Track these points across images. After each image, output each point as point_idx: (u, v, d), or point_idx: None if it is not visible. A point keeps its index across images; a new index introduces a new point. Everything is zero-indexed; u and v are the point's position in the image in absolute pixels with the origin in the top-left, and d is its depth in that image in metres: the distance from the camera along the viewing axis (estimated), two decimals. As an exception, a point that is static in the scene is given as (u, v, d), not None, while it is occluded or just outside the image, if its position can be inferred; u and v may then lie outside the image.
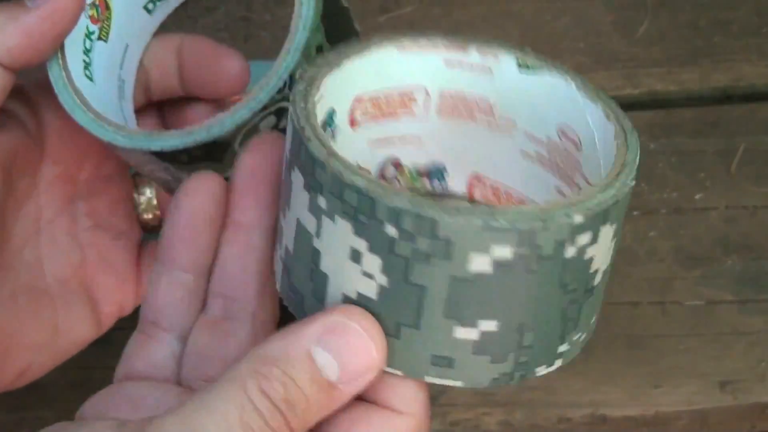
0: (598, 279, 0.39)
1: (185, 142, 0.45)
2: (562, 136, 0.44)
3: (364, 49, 0.43)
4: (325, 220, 0.37)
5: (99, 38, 0.49)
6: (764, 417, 0.62)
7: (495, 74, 0.44)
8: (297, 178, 0.38)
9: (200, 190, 0.42)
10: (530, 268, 0.36)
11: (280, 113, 0.46)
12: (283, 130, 0.43)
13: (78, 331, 0.50)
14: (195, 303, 0.43)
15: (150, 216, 0.53)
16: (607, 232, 0.38)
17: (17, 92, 0.47)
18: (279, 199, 0.41)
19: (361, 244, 0.36)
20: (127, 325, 0.64)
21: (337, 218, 0.36)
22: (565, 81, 0.44)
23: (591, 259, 0.38)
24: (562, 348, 0.40)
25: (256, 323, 0.42)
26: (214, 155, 0.46)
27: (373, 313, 0.37)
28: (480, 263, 0.36)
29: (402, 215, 0.35)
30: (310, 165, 0.37)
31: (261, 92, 0.45)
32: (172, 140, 0.45)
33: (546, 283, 0.37)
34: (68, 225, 0.51)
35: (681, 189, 0.67)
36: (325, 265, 0.38)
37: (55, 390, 0.62)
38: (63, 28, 0.45)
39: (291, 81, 0.46)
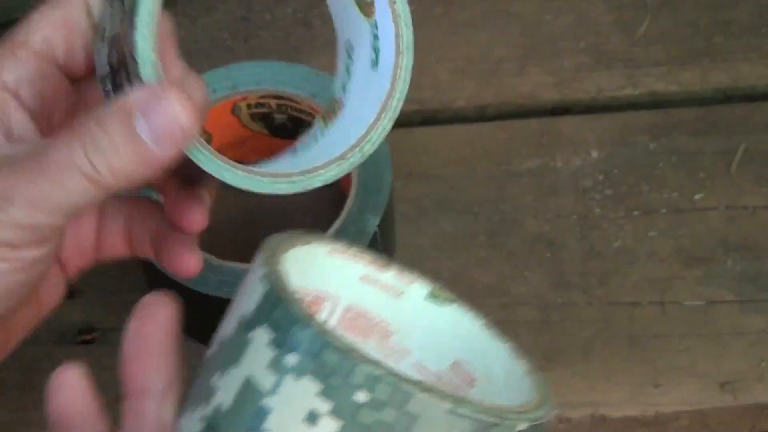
0: None
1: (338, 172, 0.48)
2: (454, 369, 0.45)
3: (306, 243, 0.45)
4: (288, 378, 0.37)
5: None
6: (764, 417, 0.62)
7: (404, 299, 0.46)
8: (261, 336, 0.38)
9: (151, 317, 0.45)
10: None
11: None
12: None
13: (51, 296, 0.51)
14: None
15: None
16: None
17: None
18: (209, 360, 0.41)
19: (324, 407, 0.37)
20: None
21: (305, 377, 0.37)
22: (471, 318, 0.45)
23: None
24: None
25: None
26: None
27: None
28: None
29: (379, 383, 0.36)
30: (287, 323, 0.37)
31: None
32: (325, 175, 0.48)
33: None
34: None
35: (681, 189, 0.67)
36: (271, 424, 0.37)
37: (55, 390, 0.62)
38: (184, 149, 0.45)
39: None
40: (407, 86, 0.48)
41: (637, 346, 0.63)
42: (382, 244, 0.62)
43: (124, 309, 0.64)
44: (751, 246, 0.65)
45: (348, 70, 0.51)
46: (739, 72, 0.71)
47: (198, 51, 0.72)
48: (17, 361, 0.63)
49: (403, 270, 0.46)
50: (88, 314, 0.64)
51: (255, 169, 0.48)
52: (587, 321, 0.63)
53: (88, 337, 0.64)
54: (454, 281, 0.65)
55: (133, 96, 0.43)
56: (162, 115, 0.43)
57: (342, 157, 0.48)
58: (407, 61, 0.49)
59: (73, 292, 0.65)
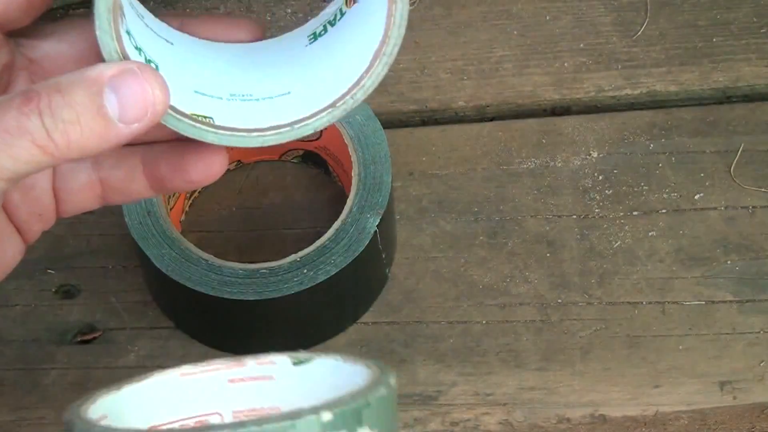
0: None
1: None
2: None
3: (144, 377, 0.44)
4: None
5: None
6: (764, 417, 0.62)
7: (276, 379, 0.46)
8: None
9: None
10: None
11: None
12: None
13: (3, 256, 0.49)
14: None
15: None
16: None
17: None
18: None
19: None
20: (129, 325, 0.64)
21: None
22: (332, 360, 0.45)
23: None
24: None
25: None
26: None
27: None
28: None
29: None
30: None
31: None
32: (315, 123, 0.47)
33: None
34: None
35: (681, 189, 0.67)
36: None
37: (54, 390, 0.62)
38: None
39: None
40: (402, 31, 0.46)
41: (636, 346, 0.63)
42: (382, 244, 0.62)
43: (124, 309, 0.65)
44: (751, 246, 0.65)
45: None
46: (739, 72, 0.71)
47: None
48: (17, 361, 0.63)
49: (257, 356, 0.46)
50: (88, 314, 0.64)
51: (238, 126, 0.46)
52: (587, 321, 0.63)
53: (88, 337, 0.64)
54: (454, 281, 0.65)
55: (106, 68, 0.42)
56: (135, 92, 0.41)
57: (333, 105, 0.47)
58: (402, 6, 0.46)
59: (73, 292, 0.65)
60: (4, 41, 0.46)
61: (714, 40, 0.72)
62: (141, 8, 0.47)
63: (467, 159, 0.69)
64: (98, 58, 0.45)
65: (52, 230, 0.66)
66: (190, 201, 0.67)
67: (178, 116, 0.44)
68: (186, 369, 0.45)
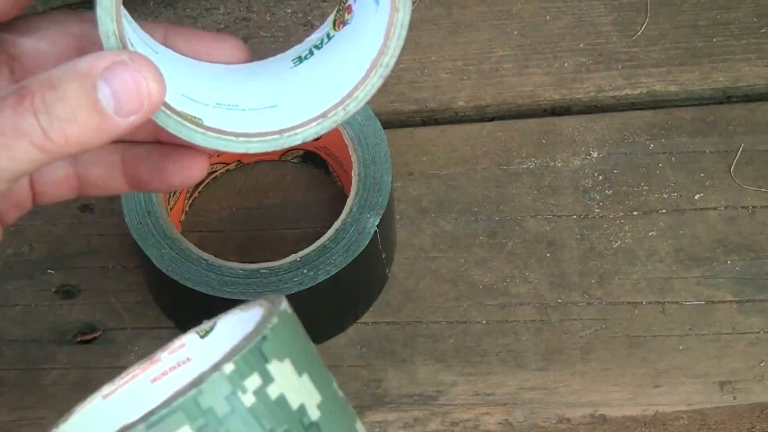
0: (313, 414, 0.40)
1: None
2: None
3: (67, 416, 0.44)
4: None
5: None
6: (764, 417, 0.62)
7: (193, 358, 0.46)
8: None
9: None
10: None
11: None
12: None
13: None
14: None
15: None
16: (281, 368, 0.39)
17: None
18: None
19: None
20: (129, 325, 0.64)
21: None
22: (231, 315, 0.45)
23: (282, 397, 0.39)
24: None
25: None
26: None
27: None
28: None
29: None
30: None
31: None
32: (304, 133, 0.45)
33: None
34: None
35: (681, 189, 0.67)
36: None
37: (55, 390, 0.62)
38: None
39: None
40: (402, 43, 0.45)
41: (636, 346, 0.63)
42: (382, 244, 0.62)
43: (124, 309, 0.65)
44: (751, 246, 0.65)
45: None
46: (739, 72, 0.71)
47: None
48: (17, 361, 0.63)
49: (165, 346, 0.46)
50: (88, 314, 0.64)
51: (227, 129, 0.45)
52: (587, 321, 0.63)
53: (88, 337, 0.64)
54: (454, 281, 0.65)
55: (97, 60, 0.41)
56: (128, 84, 0.41)
57: (324, 115, 0.46)
58: (403, 16, 0.45)
59: (73, 292, 0.65)
60: None
61: (714, 40, 0.72)
62: (128, 16, 0.46)
63: (467, 159, 0.69)
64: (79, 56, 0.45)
65: (52, 230, 0.67)
66: (190, 201, 0.67)
67: (168, 112, 0.44)
68: (105, 389, 0.45)
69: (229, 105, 0.47)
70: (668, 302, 0.64)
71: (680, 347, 0.62)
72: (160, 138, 0.48)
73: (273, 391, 0.38)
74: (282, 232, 0.66)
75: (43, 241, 0.66)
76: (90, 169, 0.48)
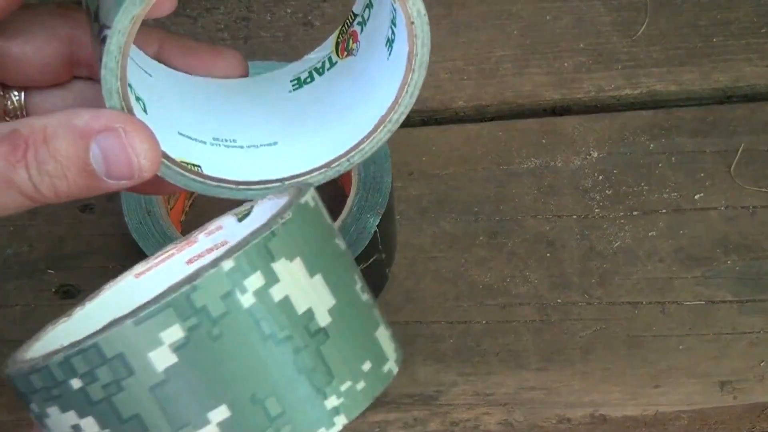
0: (321, 319, 0.37)
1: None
2: None
3: (95, 294, 0.43)
4: (50, 420, 0.37)
5: None
6: (764, 417, 0.62)
7: (230, 241, 0.44)
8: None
9: None
10: (213, 335, 0.35)
11: None
12: None
13: None
14: None
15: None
16: (290, 267, 0.37)
17: None
18: None
19: (71, 416, 0.36)
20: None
21: (52, 411, 0.36)
22: (267, 200, 0.44)
23: (287, 300, 0.36)
24: (332, 402, 0.37)
25: None
26: None
27: None
28: (162, 358, 0.35)
29: (70, 362, 0.35)
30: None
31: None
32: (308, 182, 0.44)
33: (244, 342, 0.36)
34: None
35: (681, 189, 0.67)
36: None
37: (55, 390, 0.62)
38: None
39: None
40: (414, 100, 0.45)
41: (636, 346, 0.63)
42: (382, 244, 0.62)
43: (124, 309, 0.65)
44: (751, 246, 0.65)
45: (365, 13, 0.46)
46: (739, 72, 0.71)
47: (198, 51, 0.72)
48: (17, 361, 0.63)
49: (204, 227, 0.44)
50: (88, 314, 0.64)
51: (227, 177, 0.44)
52: (587, 321, 0.63)
53: (88, 337, 0.64)
54: (454, 281, 0.65)
55: (93, 121, 0.40)
56: (119, 155, 0.40)
57: (328, 166, 0.45)
58: (418, 77, 0.45)
59: (73, 293, 0.65)
60: None
61: (714, 40, 0.72)
62: None
63: (467, 159, 0.69)
64: (63, 65, 0.45)
65: (52, 230, 0.67)
66: (191, 201, 0.67)
67: (168, 163, 0.42)
68: (139, 268, 0.44)
69: (227, 141, 0.45)
70: (668, 302, 0.64)
71: (680, 347, 0.62)
72: None
73: (277, 293, 0.36)
74: (282, 232, 0.66)
75: (43, 241, 0.66)
76: None
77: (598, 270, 0.65)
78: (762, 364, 0.62)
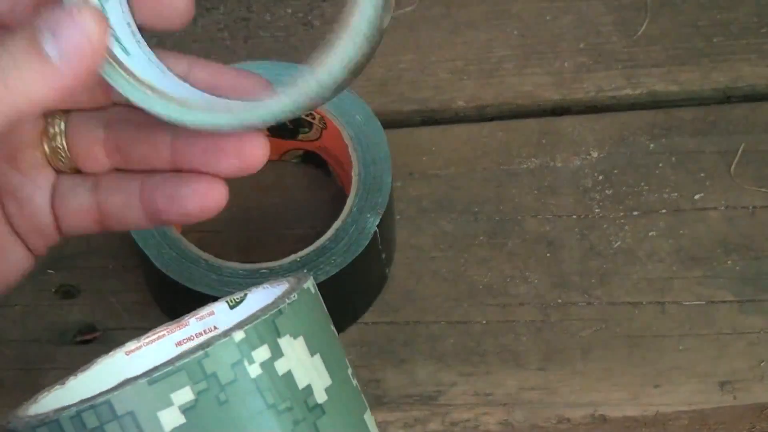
0: (319, 396, 0.39)
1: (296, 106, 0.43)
2: None
3: (88, 366, 0.44)
4: None
5: None
6: (764, 417, 0.62)
7: (220, 326, 0.45)
8: None
9: None
10: (220, 400, 0.37)
11: None
12: None
13: (7, 266, 0.49)
14: None
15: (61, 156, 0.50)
16: (293, 344, 0.39)
17: None
18: None
19: None
20: (129, 325, 0.64)
21: None
22: (262, 289, 0.45)
23: (290, 374, 0.38)
24: None
25: None
26: None
27: None
28: (171, 419, 0.36)
29: (81, 417, 0.36)
30: None
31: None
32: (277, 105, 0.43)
33: (248, 409, 0.37)
34: None
35: (681, 189, 0.67)
36: None
37: (55, 390, 0.62)
38: (93, 70, 0.43)
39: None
40: (378, 11, 0.40)
41: (637, 346, 0.63)
42: (382, 244, 0.62)
43: (124, 309, 0.65)
44: (751, 246, 0.65)
45: None
46: (739, 72, 0.71)
47: (198, 51, 0.72)
48: (17, 361, 0.63)
49: (196, 312, 0.46)
50: (88, 314, 0.64)
51: (193, 97, 0.44)
52: (587, 321, 0.63)
53: (88, 337, 0.64)
54: (454, 281, 0.65)
55: (44, 14, 0.41)
56: (72, 31, 0.41)
57: (294, 84, 0.43)
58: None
59: (73, 293, 0.65)
60: None
61: (714, 40, 0.72)
62: (142, 41, 0.47)
63: (467, 159, 0.69)
64: (103, 89, 0.46)
65: (52, 230, 0.66)
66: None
67: (118, 69, 0.43)
68: (130, 345, 0.45)
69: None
70: (668, 302, 0.64)
71: (680, 347, 0.62)
72: (177, 165, 0.48)
73: (281, 366, 0.38)
74: (282, 232, 0.66)
75: (43, 241, 0.66)
76: (109, 198, 0.49)
77: (598, 270, 0.65)
78: (762, 364, 0.62)
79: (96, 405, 0.36)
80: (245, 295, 0.46)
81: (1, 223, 0.49)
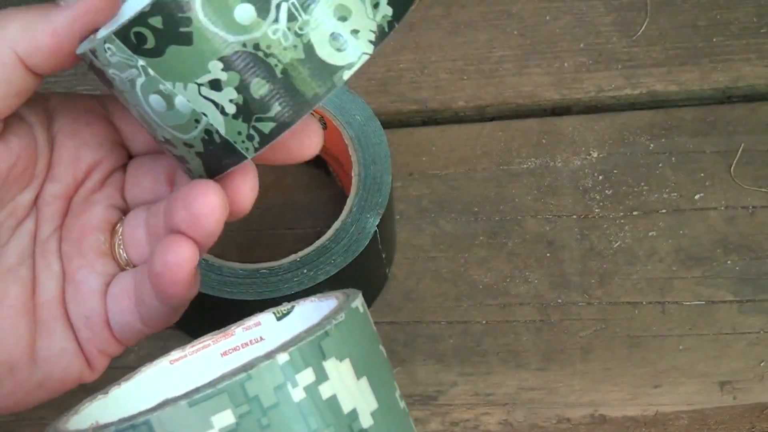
0: (365, 421, 0.38)
1: None
2: None
3: (132, 375, 0.43)
4: None
5: None
6: (764, 417, 0.62)
7: (266, 338, 0.45)
8: None
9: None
10: (262, 424, 0.36)
11: None
12: None
13: (60, 363, 0.47)
14: None
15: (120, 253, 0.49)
16: (339, 367, 0.38)
17: (33, 99, 0.44)
18: None
19: None
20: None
21: None
22: (310, 302, 0.45)
23: (334, 398, 0.37)
24: None
25: None
26: None
27: None
28: None
29: None
30: None
31: None
32: None
33: None
34: (58, 246, 0.47)
35: (681, 189, 0.67)
36: None
37: (55, 390, 0.62)
38: (96, 28, 0.41)
39: None
40: None
41: (636, 346, 0.63)
42: (382, 244, 0.62)
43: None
44: (751, 246, 0.65)
45: None
46: (738, 72, 0.71)
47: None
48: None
49: (242, 321, 0.45)
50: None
51: None
52: (587, 321, 0.63)
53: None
54: (454, 281, 0.65)
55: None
56: None
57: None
58: None
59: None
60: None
61: (714, 40, 0.72)
62: None
63: (467, 159, 0.69)
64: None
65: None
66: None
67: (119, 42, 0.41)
68: (175, 354, 0.44)
69: None
70: (668, 302, 0.64)
71: (680, 347, 0.62)
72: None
73: (325, 390, 0.37)
74: (282, 232, 0.66)
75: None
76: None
77: (598, 270, 0.65)
78: (762, 364, 0.62)
79: (136, 425, 0.35)
80: (292, 306, 0.45)
81: (58, 307, 0.47)
